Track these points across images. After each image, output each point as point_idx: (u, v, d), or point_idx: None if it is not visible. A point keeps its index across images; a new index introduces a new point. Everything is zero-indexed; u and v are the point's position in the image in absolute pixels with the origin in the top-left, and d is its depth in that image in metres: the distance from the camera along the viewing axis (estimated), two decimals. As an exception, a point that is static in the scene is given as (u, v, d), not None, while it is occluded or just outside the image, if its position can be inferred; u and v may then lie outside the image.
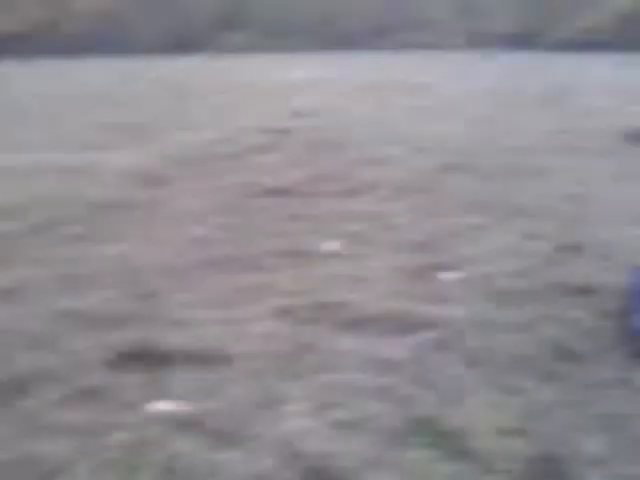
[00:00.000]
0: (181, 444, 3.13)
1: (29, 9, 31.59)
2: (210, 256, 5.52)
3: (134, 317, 4.41)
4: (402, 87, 15.16)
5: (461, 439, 3.18)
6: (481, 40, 27.20)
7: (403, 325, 4.31)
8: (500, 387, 3.61)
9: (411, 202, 7.08)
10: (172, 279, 5.07)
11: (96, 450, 3.11)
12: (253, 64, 20.87)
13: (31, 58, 29.60)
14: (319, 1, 28.77)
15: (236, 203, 7.08)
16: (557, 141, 9.88)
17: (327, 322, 4.35)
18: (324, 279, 5.04)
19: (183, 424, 3.28)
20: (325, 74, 17.23)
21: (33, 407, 3.44)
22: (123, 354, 3.92)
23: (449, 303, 4.60)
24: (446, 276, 5.12)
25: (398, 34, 27.76)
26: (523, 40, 28.19)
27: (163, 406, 3.44)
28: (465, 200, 7.05)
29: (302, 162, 8.65)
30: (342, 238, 5.95)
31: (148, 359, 3.88)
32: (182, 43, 29.52)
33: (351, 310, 4.48)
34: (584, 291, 4.72)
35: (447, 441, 3.17)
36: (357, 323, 4.34)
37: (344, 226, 6.28)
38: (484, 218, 6.47)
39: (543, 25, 32.00)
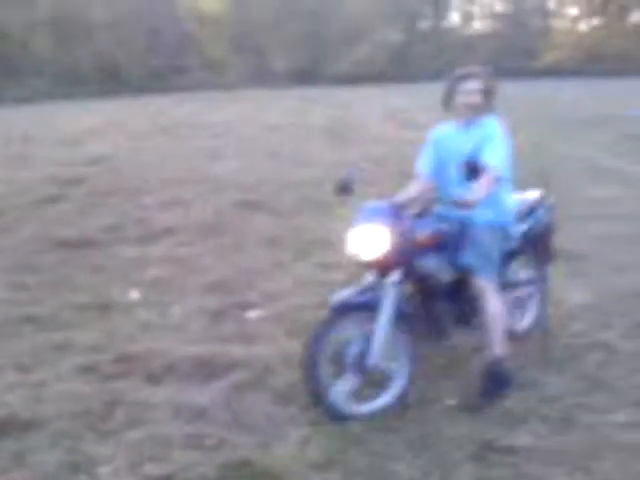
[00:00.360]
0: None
1: None
2: (5, 318, 5.24)
3: None
4: (194, 127, 15.20)
5: (277, 478, 3.26)
6: (264, 77, 27.86)
7: (211, 369, 4.34)
8: (311, 422, 3.74)
9: (211, 243, 7.12)
10: (-36, 346, 4.78)
11: None
12: (41, 113, 20.05)
13: None
14: (104, 47, 28.22)
15: (30, 259, 6.76)
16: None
17: (134, 374, 4.29)
18: (128, 330, 4.96)
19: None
20: (117, 119, 16.89)
21: None
22: None
23: (256, 342, 4.69)
24: (252, 314, 5.21)
25: (184, 76, 27.83)
26: (304, 75, 29.19)
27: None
28: (263, 237, 7.19)
29: (97, 210, 8.43)
30: (144, 286, 5.88)
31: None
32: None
33: (158, 359, 4.44)
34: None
35: (264, 481, 3.24)
36: (165, 372, 4.32)
37: (145, 273, 6.20)
38: (283, 253, 6.63)
39: (321, 60, 33.35)
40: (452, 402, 3.91)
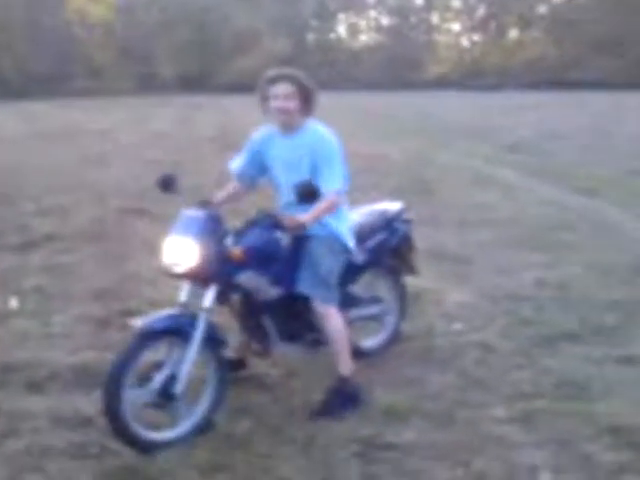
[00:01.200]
0: None
1: None
2: None
3: None
4: (77, 134, 14.85)
5: (163, 483, 3.23)
6: (152, 84, 27.49)
7: (96, 377, 4.22)
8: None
9: (93, 250, 6.96)
10: None
11: None
12: None
13: None
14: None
15: None
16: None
17: (14, 384, 4.16)
18: (7, 339, 4.79)
19: None
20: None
21: None
22: None
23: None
24: (136, 322, 5.10)
25: (68, 82, 27.10)
26: (192, 83, 28.97)
27: None
28: (147, 244, 7.07)
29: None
30: (23, 294, 5.69)
31: None
32: None
33: (39, 369, 4.32)
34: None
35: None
36: (47, 381, 4.20)
37: (24, 281, 6.00)
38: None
39: (208, 68, 33.15)
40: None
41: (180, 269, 3.60)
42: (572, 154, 12.40)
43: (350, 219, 4.13)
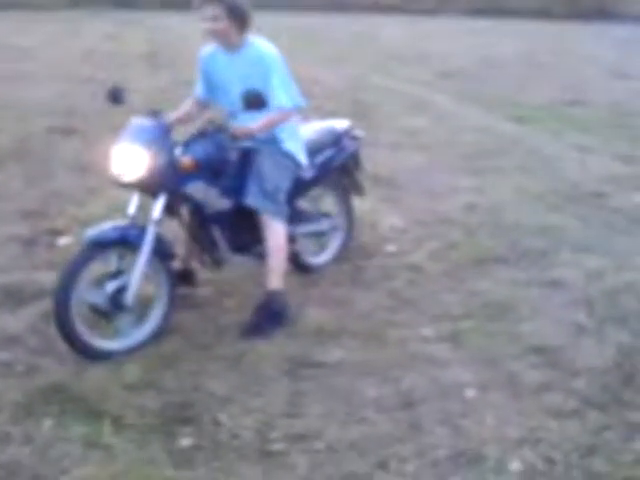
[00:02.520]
0: None
1: None
2: None
3: None
4: (3, 50, 14.23)
5: (92, 401, 3.21)
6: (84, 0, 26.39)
7: (21, 297, 4.19)
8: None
9: (19, 169, 6.74)
10: None
11: None
12: None
13: None
14: None
15: None
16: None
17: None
18: None
19: None
20: None
21: None
22: None
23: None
24: (63, 241, 5.01)
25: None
26: (124, 1, 27.94)
27: None
28: (75, 163, 6.89)
29: None
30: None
31: None
32: None
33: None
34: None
35: (78, 405, 3.18)
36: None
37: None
38: (96, 179, 6.39)
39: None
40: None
41: (129, 178, 3.55)
42: (507, 82, 12.44)
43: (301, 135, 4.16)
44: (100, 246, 3.53)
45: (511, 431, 3.12)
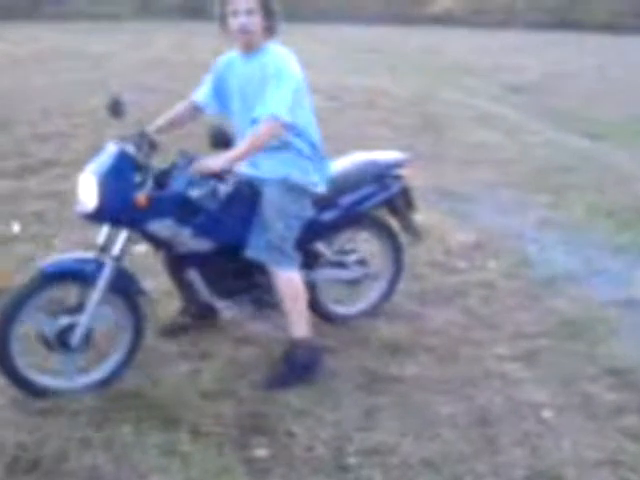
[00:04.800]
0: None
1: None
2: None
3: None
4: (72, 58, 14.56)
5: (168, 408, 3.24)
6: (151, 10, 26.91)
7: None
8: (200, 355, 3.75)
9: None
10: None
11: None
12: None
13: None
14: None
15: None
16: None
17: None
18: (10, 263, 4.76)
19: None
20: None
21: None
22: None
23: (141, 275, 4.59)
24: (140, 249, 5.08)
25: (65, 4, 26.49)
26: (193, 10, 28.36)
27: None
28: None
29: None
30: (24, 219, 5.64)
31: None
32: None
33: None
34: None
35: (155, 412, 3.21)
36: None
37: (25, 206, 5.95)
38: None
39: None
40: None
41: (81, 209, 3.28)
42: (578, 97, 12.26)
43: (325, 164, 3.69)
44: (49, 277, 3.26)
45: (589, 453, 3.08)
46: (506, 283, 4.72)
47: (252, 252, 3.51)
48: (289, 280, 3.55)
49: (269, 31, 3.45)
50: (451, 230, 5.55)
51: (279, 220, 3.48)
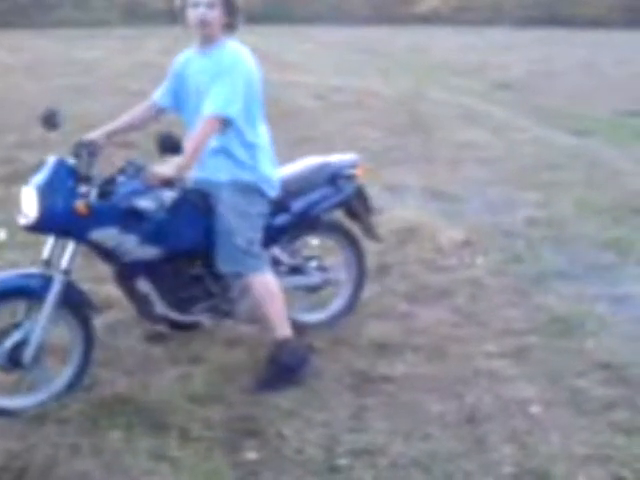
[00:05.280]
0: None
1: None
2: None
3: None
4: (59, 64, 14.55)
5: (158, 413, 3.24)
6: (139, 15, 26.86)
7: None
8: (189, 359, 3.74)
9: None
10: None
11: None
12: None
13: None
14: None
15: None
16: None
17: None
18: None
19: None
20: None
21: None
22: None
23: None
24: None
25: (53, 12, 26.41)
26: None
27: None
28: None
29: (-43, 148, 7.96)
30: (11, 226, 5.61)
31: None
32: None
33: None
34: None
35: (144, 417, 3.21)
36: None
37: (11, 214, 5.90)
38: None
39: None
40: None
41: (23, 221, 3.24)
42: (566, 94, 12.28)
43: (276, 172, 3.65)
44: (2, 295, 3.21)
45: (578, 448, 3.08)
46: (495, 280, 4.72)
47: (224, 266, 3.49)
48: (264, 283, 3.52)
49: (229, 27, 3.42)
50: (440, 228, 5.55)
51: (242, 222, 3.45)
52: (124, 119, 3.68)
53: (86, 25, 23.99)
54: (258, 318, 3.62)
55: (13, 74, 13.24)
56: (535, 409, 3.35)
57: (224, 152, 3.43)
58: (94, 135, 3.51)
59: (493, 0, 27.75)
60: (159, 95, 3.69)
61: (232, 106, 3.30)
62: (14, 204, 6.02)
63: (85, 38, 20.28)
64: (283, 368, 3.53)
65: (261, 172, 3.50)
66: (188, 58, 3.58)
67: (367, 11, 27.25)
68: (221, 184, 3.47)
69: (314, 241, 4.13)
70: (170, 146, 3.17)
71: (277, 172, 3.64)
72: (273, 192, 3.57)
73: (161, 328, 3.83)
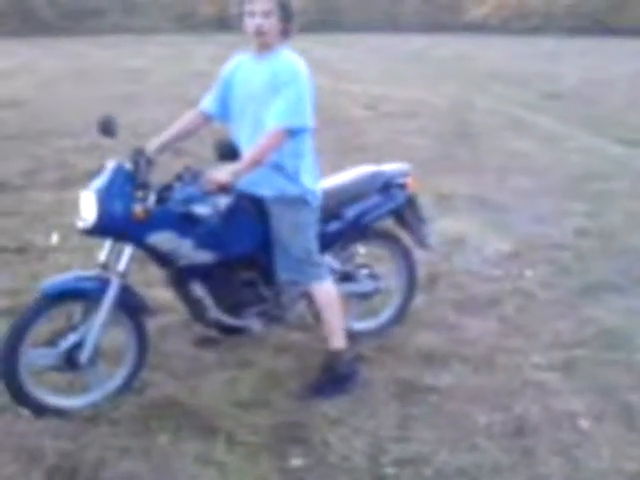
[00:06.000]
0: None
1: None
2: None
3: None
4: (111, 71, 14.79)
5: (205, 417, 3.28)
6: (190, 23, 27.13)
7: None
8: (237, 364, 3.77)
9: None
10: None
11: None
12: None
13: None
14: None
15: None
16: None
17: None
18: (49, 274, 4.83)
19: None
20: (30, 61, 16.20)
21: None
22: None
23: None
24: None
25: (102, 18, 26.81)
26: (229, 21, 28.62)
27: None
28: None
29: (11, 154, 8.15)
30: (64, 230, 5.73)
31: None
32: None
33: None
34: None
35: (192, 421, 3.25)
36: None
37: (65, 218, 6.03)
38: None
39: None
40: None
41: (81, 225, 3.31)
42: (616, 104, 12.10)
43: (327, 182, 3.73)
44: (53, 298, 3.27)
45: (628, 464, 3.05)
46: (543, 292, 4.69)
47: (284, 274, 3.56)
48: (325, 291, 3.59)
49: (285, 34, 3.43)
50: (487, 238, 5.52)
51: (296, 235, 3.51)
52: (174, 128, 3.72)
53: (136, 31, 24.30)
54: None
55: (66, 81, 13.48)
56: (584, 423, 3.32)
57: (274, 165, 3.44)
58: (149, 145, 3.56)
59: (544, 9, 27.46)
60: (207, 102, 3.71)
61: (302, 117, 3.35)
62: (67, 208, 6.22)
63: (136, 44, 20.55)
64: (337, 378, 3.57)
65: (304, 184, 3.51)
66: (239, 64, 3.60)
67: (418, 19, 27.18)
68: (266, 199, 3.52)
69: (363, 249, 4.17)
70: (228, 153, 3.25)
71: (320, 182, 3.66)
72: (316, 202, 3.58)
73: (212, 332, 3.86)
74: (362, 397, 3.50)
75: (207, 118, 3.73)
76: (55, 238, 5.58)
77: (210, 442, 3.12)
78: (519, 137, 9.45)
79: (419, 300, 4.42)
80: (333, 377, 3.57)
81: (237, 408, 3.36)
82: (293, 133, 3.36)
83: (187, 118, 3.73)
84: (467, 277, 4.90)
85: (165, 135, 3.67)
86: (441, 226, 5.46)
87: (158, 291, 4.52)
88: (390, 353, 3.90)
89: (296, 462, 3.05)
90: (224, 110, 3.63)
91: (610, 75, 15.39)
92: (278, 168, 3.45)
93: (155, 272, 4.87)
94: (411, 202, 4.08)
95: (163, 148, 3.63)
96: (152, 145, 3.57)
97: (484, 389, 3.57)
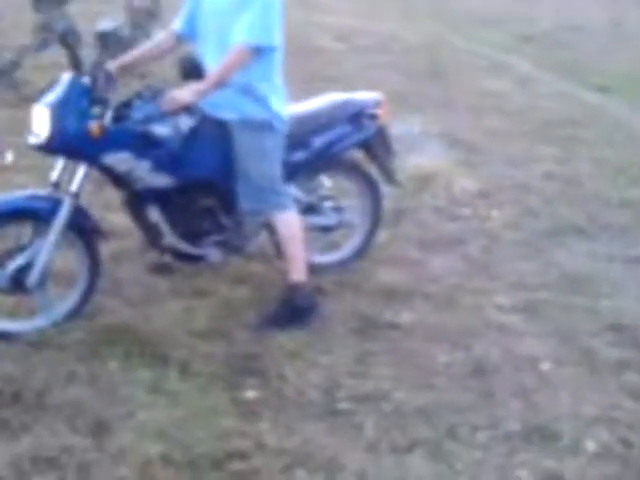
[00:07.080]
0: None
1: None
2: None
3: None
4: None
5: (158, 345, 3.18)
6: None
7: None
8: (193, 293, 3.67)
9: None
10: None
11: None
12: None
13: None
14: None
15: None
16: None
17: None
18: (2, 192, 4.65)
19: None
20: None
21: None
22: None
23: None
24: None
25: None
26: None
27: None
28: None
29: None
30: (19, 149, 5.49)
31: None
32: None
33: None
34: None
35: (145, 349, 3.15)
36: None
37: (19, 137, 5.77)
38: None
39: None
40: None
41: (33, 141, 3.15)
42: (591, 50, 11.97)
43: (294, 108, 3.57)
44: (2, 218, 3.15)
45: (587, 409, 3.02)
46: (509, 233, 4.63)
47: (246, 203, 3.43)
48: (288, 222, 3.49)
49: None
50: (456, 177, 5.42)
51: (260, 161, 3.37)
52: (142, 48, 3.58)
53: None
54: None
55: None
56: (545, 366, 3.29)
57: (242, 87, 3.28)
58: (112, 64, 3.35)
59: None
60: (177, 23, 3.52)
61: (268, 34, 3.21)
62: (22, 126, 5.98)
63: None
64: (295, 310, 3.48)
65: (272, 108, 3.37)
66: None
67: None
68: (231, 123, 3.37)
69: (328, 182, 4.03)
70: (192, 71, 3.10)
71: (287, 107, 3.51)
72: (283, 128, 3.43)
73: (167, 259, 3.74)
74: (320, 331, 3.43)
75: (178, 38, 3.56)
76: (9, 157, 5.35)
77: (162, 371, 3.04)
78: (492, 78, 9.29)
79: (383, 236, 4.32)
80: (291, 309, 3.48)
81: (192, 337, 3.28)
82: (259, 51, 3.23)
83: (157, 39, 3.59)
84: (433, 215, 4.82)
85: (132, 54, 3.50)
86: (410, 163, 5.34)
87: (116, 215, 4.36)
88: (351, 288, 3.82)
89: (250, 394, 2.98)
90: (191, 28, 3.46)
91: (586, 20, 15.22)
92: (245, 91, 3.30)
93: (114, 195, 4.75)
94: (381, 134, 3.94)
95: (127, 67, 3.44)
96: (114, 63, 3.37)
97: (445, 328, 3.52)
